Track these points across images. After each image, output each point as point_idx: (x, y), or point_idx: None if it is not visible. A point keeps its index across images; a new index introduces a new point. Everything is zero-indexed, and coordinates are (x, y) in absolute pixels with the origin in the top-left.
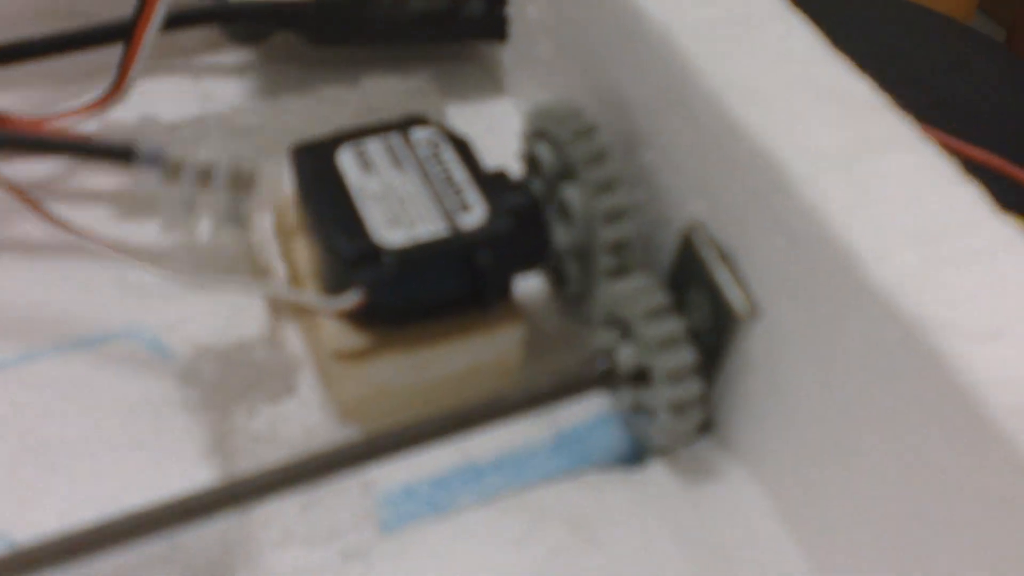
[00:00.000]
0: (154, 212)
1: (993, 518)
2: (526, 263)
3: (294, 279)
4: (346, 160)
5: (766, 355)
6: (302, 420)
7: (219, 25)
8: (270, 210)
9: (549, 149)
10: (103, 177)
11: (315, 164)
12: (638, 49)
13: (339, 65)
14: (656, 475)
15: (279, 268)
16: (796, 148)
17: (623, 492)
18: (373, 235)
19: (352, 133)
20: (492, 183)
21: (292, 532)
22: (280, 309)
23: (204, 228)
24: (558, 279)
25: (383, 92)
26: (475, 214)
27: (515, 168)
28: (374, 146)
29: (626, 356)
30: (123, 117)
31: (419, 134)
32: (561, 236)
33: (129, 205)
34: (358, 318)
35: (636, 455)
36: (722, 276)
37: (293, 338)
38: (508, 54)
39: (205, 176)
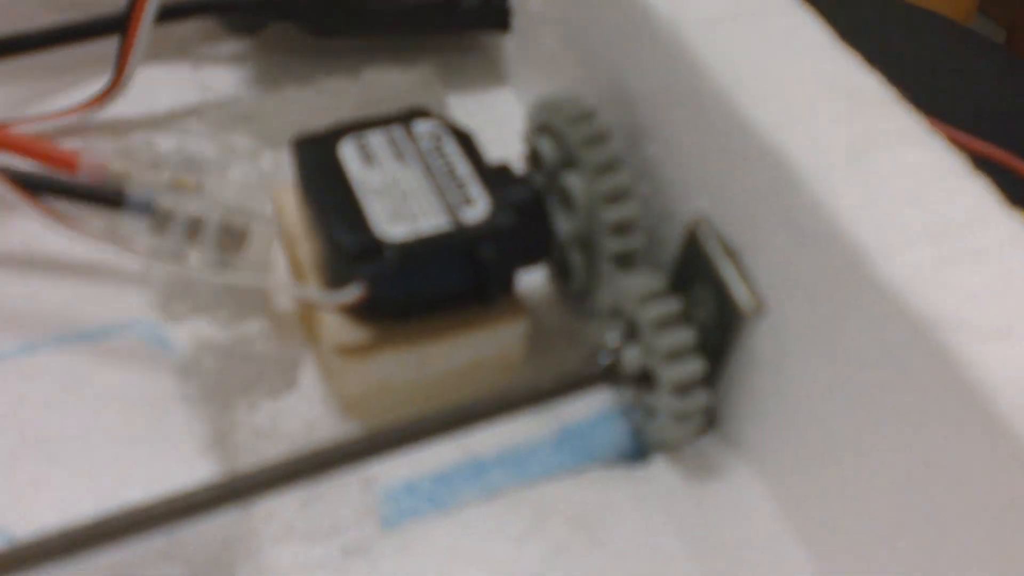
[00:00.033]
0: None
1: (1000, 518)
2: (529, 258)
3: (296, 273)
4: (348, 153)
5: (772, 352)
6: (303, 415)
7: (216, 16)
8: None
9: (549, 141)
10: None
11: (316, 157)
12: (643, 42)
13: (340, 56)
14: (659, 472)
15: (280, 262)
16: (803, 142)
17: (626, 489)
18: (375, 229)
19: (354, 125)
20: (495, 177)
21: (293, 528)
22: (281, 303)
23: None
24: (561, 273)
25: (384, 83)
26: (478, 208)
27: (517, 162)
28: (376, 139)
29: (632, 357)
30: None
31: (421, 127)
32: (564, 225)
33: None
34: (360, 312)
35: (639, 452)
36: (727, 272)
37: (295, 333)
38: (511, 45)
39: (195, 227)
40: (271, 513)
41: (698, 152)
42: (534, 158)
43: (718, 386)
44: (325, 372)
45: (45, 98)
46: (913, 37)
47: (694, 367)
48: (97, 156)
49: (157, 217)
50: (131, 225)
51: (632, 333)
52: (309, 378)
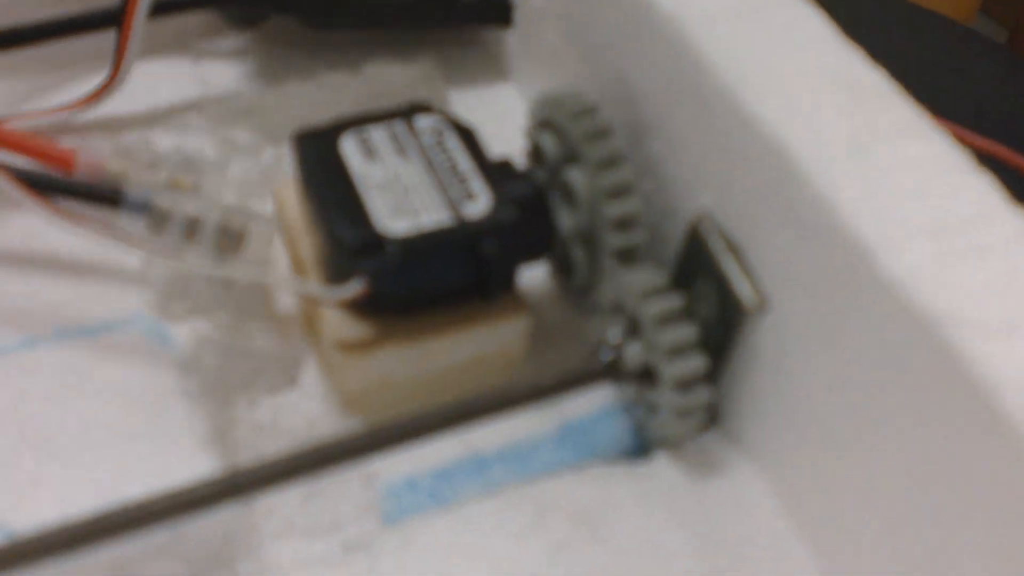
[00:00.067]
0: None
1: (1002, 515)
2: (531, 253)
3: (297, 269)
4: (349, 147)
5: (774, 348)
6: (304, 411)
7: (215, 9)
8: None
9: (551, 136)
10: None
11: (318, 151)
12: (645, 37)
13: (341, 50)
14: (661, 468)
15: (281, 259)
16: (806, 137)
17: (628, 485)
18: (376, 224)
19: (355, 120)
20: (497, 172)
21: (294, 524)
22: (282, 304)
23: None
24: (563, 269)
25: (386, 78)
26: (480, 203)
27: (519, 157)
28: (377, 133)
29: (633, 353)
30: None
31: (423, 122)
32: (566, 220)
33: None
34: (361, 308)
35: (641, 448)
36: (730, 268)
37: (295, 328)
38: (513, 40)
39: (193, 228)
40: (272, 509)
41: (700, 148)
42: (536, 153)
43: (720, 382)
44: (326, 368)
45: (43, 93)
46: (915, 37)
47: (696, 363)
48: (94, 155)
49: (155, 217)
50: (129, 225)
51: (634, 329)
52: (310, 374)
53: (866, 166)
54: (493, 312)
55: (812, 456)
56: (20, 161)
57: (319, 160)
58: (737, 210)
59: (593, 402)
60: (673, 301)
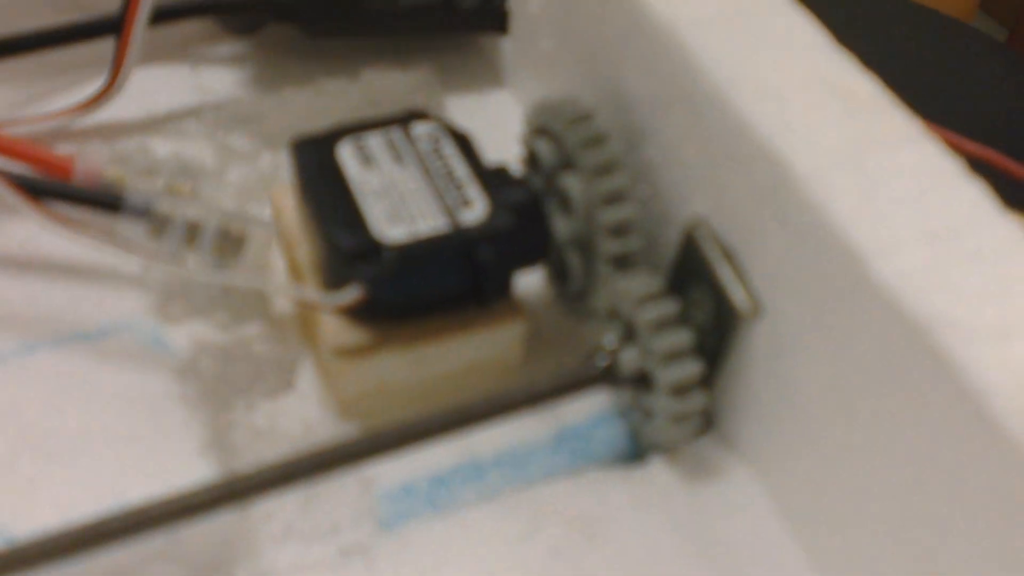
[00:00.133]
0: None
1: (996, 519)
2: (527, 259)
3: (294, 274)
4: (346, 154)
5: (769, 353)
6: (301, 416)
7: (214, 17)
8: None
9: (547, 143)
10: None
11: (315, 158)
12: (641, 44)
13: (338, 57)
14: (657, 473)
15: (279, 264)
16: (801, 144)
17: (624, 490)
18: (373, 230)
19: (352, 127)
20: (493, 178)
21: (292, 528)
22: (279, 306)
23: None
24: (559, 275)
25: (383, 85)
26: (476, 210)
27: (515, 164)
28: (375, 140)
29: (629, 359)
30: (123, 114)
31: (420, 128)
32: (561, 227)
33: None
34: (358, 314)
35: (637, 453)
36: (725, 274)
37: (292, 333)
38: (509, 47)
39: (193, 233)
40: (270, 514)
41: (695, 154)
42: (532, 160)
43: (715, 387)
44: (323, 373)
45: (41, 99)
46: (915, 35)
47: (691, 369)
48: (92, 161)
49: (155, 222)
50: (128, 230)
51: (630, 335)
52: (307, 379)
53: (859, 173)
54: (489, 318)
55: (807, 460)
56: (17, 167)
57: (316, 167)
58: (732, 216)
59: (589, 407)
60: (668, 307)
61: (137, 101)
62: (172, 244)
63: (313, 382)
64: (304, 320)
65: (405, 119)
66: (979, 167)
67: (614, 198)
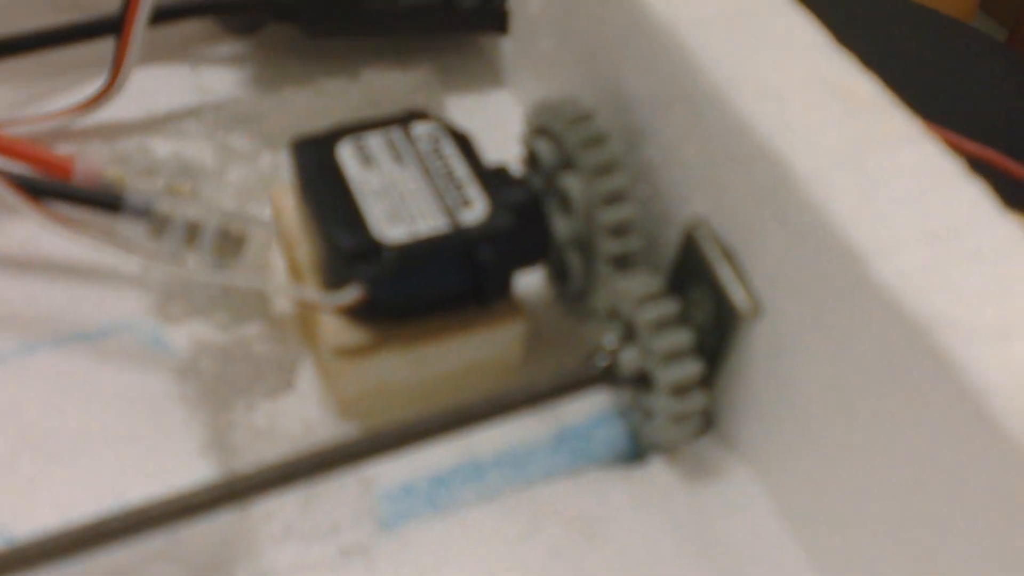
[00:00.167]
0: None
1: (996, 519)
2: (527, 259)
3: (294, 274)
4: (346, 154)
5: (769, 353)
6: (301, 416)
7: (214, 17)
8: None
9: (547, 143)
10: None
11: (315, 158)
12: (641, 44)
13: (338, 57)
14: (657, 473)
15: (279, 264)
16: (801, 144)
17: (624, 490)
18: (373, 230)
19: (352, 127)
20: (493, 178)
21: (292, 528)
22: (279, 306)
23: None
24: (559, 275)
25: (383, 85)
26: (476, 210)
27: (515, 164)
28: (375, 140)
29: (629, 359)
30: (123, 114)
31: (420, 128)
32: (561, 227)
33: None
34: (358, 314)
35: (637, 453)
36: (725, 274)
37: (292, 333)
38: (509, 47)
39: (193, 232)
40: (270, 513)
41: (696, 154)
42: (532, 160)
43: (715, 387)
44: (323, 373)
45: (41, 99)
46: (914, 35)
47: (691, 369)
48: (92, 162)
49: (155, 222)
50: (129, 230)
51: (630, 334)
52: (307, 379)
53: (859, 173)
54: (489, 318)
55: (806, 460)
56: (18, 167)
57: (317, 167)
58: (731, 216)
59: (589, 407)
60: (668, 307)
61: (137, 101)
62: (172, 244)
63: (313, 382)
64: (304, 320)
65: (405, 119)
66: (979, 167)
67: (614, 198)
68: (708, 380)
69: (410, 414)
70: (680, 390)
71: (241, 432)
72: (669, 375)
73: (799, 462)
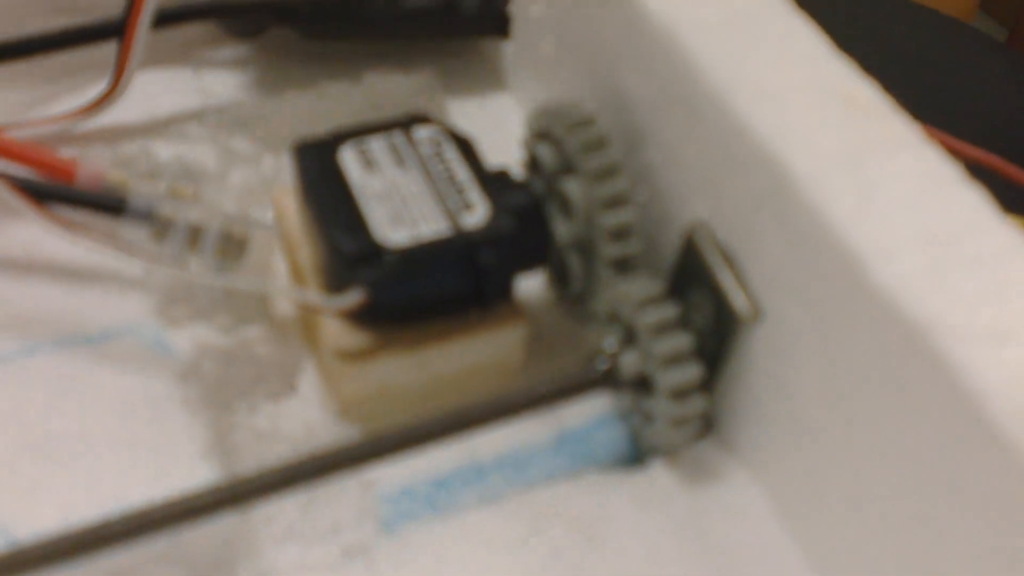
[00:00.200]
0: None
1: (994, 522)
2: (528, 263)
3: (296, 277)
4: (348, 158)
5: (769, 357)
6: (303, 418)
7: (216, 20)
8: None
9: (548, 147)
10: None
11: (317, 162)
12: (641, 48)
13: (341, 61)
14: (657, 476)
15: (281, 267)
16: (800, 148)
17: (624, 493)
18: (375, 234)
19: (354, 131)
20: (494, 182)
21: (293, 530)
22: (281, 309)
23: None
24: (560, 278)
25: (385, 88)
26: (477, 214)
27: (516, 167)
28: (377, 144)
29: (629, 362)
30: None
31: (422, 132)
32: (562, 230)
33: None
34: (360, 317)
35: (637, 456)
36: (725, 278)
37: (294, 336)
38: (511, 51)
39: (195, 235)
40: (271, 516)
41: (696, 158)
42: (533, 164)
43: (715, 391)
44: (325, 376)
45: (43, 103)
46: (915, 35)
47: (691, 372)
48: (95, 165)
49: (158, 225)
50: (131, 233)
51: (630, 338)
52: (309, 382)
53: (858, 177)
54: (491, 321)
55: (806, 463)
56: (21, 170)
57: (319, 170)
58: (732, 220)
59: (590, 410)
60: (668, 311)
61: (140, 104)
62: (174, 247)
63: (315, 385)
64: (306, 323)
65: (407, 123)
66: (979, 171)
67: (614, 202)
68: (708, 383)
69: (411, 416)
70: (680, 393)
71: (243, 434)
72: (669, 379)
73: (798, 465)
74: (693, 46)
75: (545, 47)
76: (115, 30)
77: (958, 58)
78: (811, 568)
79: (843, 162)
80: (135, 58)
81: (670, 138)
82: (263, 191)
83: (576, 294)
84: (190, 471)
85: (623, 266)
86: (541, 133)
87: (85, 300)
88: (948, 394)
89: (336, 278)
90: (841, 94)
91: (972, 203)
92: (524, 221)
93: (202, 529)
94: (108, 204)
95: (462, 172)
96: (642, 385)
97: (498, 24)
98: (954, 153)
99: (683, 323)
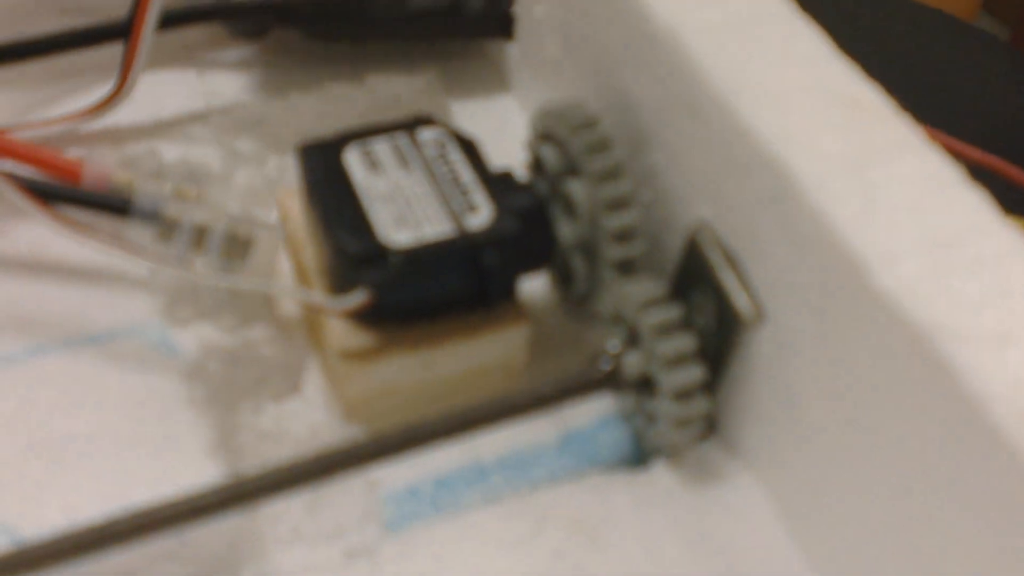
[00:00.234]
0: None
1: (997, 524)
2: (531, 264)
3: (300, 278)
4: (353, 159)
5: (772, 359)
6: (308, 418)
7: (221, 22)
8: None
9: (552, 148)
10: None
11: (322, 163)
12: (645, 50)
13: (345, 62)
14: (660, 477)
15: (285, 268)
16: (803, 152)
17: (627, 494)
18: (380, 235)
19: (359, 132)
20: (498, 184)
21: (298, 530)
22: (286, 308)
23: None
24: (564, 279)
25: (389, 90)
26: (481, 215)
27: (520, 169)
28: (381, 146)
29: (632, 363)
30: (131, 118)
31: (426, 134)
32: (566, 232)
33: None
34: (364, 318)
35: (640, 457)
36: (728, 279)
37: (299, 337)
38: (515, 53)
39: (200, 236)
40: (276, 516)
41: (699, 160)
42: (537, 165)
43: (718, 392)
44: (329, 376)
45: (49, 103)
46: (917, 34)
47: (694, 373)
48: (100, 166)
49: (163, 226)
50: (137, 234)
51: (633, 339)
52: (313, 382)
53: (860, 180)
54: (494, 322)
55: (808, 465)
56: (27, 171)
57: (323, 172)
58: (735, 222)
59: (593, 411)
60: (672, 312)
61: (145, 106)
62: (180, 248)
63: (319, 385)
64: (311, 323)
65: (411, 124)
66: (981, 173)
67: (618, 204)
68: (711, 385)
69: (415, 417)
70: (683, 394)
71: (248, 434)
72: (672, 380)
73: (800, 466)
74: (696, 48)
75: (549, 48)
76: (121, 32)
77: (961, 58)
78: (813, 569)
79: (846, 165)
80: (140, 59)
81: (673, 140)
82: (268, 192)
83: (580, 295)
84: (195, 471)
85: (626, 267)
86: (545, 134)
87: (90, 300)
88: (950, 396)
89: (340, 279)
90: (844, 97)
91: (974, 206)
92: (528, 222)
93: (207, 529)
94: (114, 205)
95: (466, 173)
96: (645, 386)
97: (502, 25)
98: (955, 155)
99: (686, 324)
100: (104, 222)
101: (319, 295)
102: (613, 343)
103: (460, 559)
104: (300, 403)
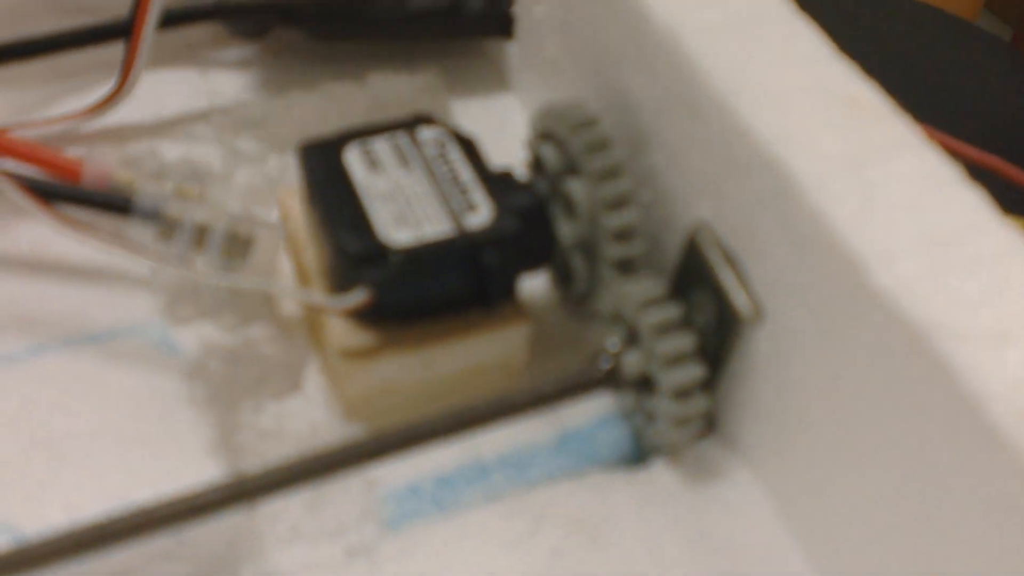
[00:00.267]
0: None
1: (995, 522)
2: (531, 263)
3: (301, 277)
4: (353, 158)
5: (771, 358)
6: (308, 417)
7: (222, 21)
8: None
9: (552, 147)
10: None
11: (322, 162)
12: (645, 50)
13: (346, 61)
14: (660, 475)
15: (286, 267)
16: (802, 152)
17: (626, 492)
18: (380, 234)
19: (359, 132)
20: (498, 183)
21: (297, 529)
22: (287, 308)
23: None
24: (564, 278)
25: (390, 89)
26: (481, 214)
27: (520, 168)
28: (381, 145)
29: (632, 362)
30: (132, 117)
31: (426, 133)
32: (566, 231)
33: None
34: (364, 316)
35: (639, 455)
36: (727, 278)
37: (300, 335)
38: (515, 52)
39: (201, 235)
40: (276, 514)
41: (699, 160)
42: (537, 164)
43: (717, 391)
44: (329, 375)
45: (50, 102)
46: (919, 34)
47: (694, 372)
48: (101, 165)
49: (164, 225)
50: (138, 233)
51: (633, 338)
52: (313, 381)
53: (859, 180)
54: (494, 321)
55: (808, 463)
56: (28, 170)
57: (324, 171)
58: (734, 222)
59: (592, 410)
60: (671, 311)
61: (146, 105)
62: (181, 247)
63: (320, 384)
64: (311, 322)
65: (411, 123)
66: (980, 173)
67: (618, 203)
68: (710, 383)
69: (415, 415)
70: (682, 393)
71: (248, 433)
72: (672, 378)
73: (800, 465)
74: (696, 48)
75: (549, 48)
76: (122, 31)
77: (962, 57)
78: (813, 567)
79: (845, 164)
80: (141, 58)
81: (673, 140)
82: (268, 191)
83: (579, 294)
84: (195, 470)
85: (626, 266)
86: (545, 134)
87: (91, 299)
88: (948, 395)
89: (341, 278)
90: (843, 96)
91: (972, 205)
92: (528, 222)
93: (207, 527)
94: (114, 204)
95: (466, 173)
96: (644, 385)
97: (502, 25)
98: (954, 154)
99: (685, 323)
100: (105, 221)
101: (319, 294)
102: (613, 342)
103: (460, 557)
104: (300, 402)
